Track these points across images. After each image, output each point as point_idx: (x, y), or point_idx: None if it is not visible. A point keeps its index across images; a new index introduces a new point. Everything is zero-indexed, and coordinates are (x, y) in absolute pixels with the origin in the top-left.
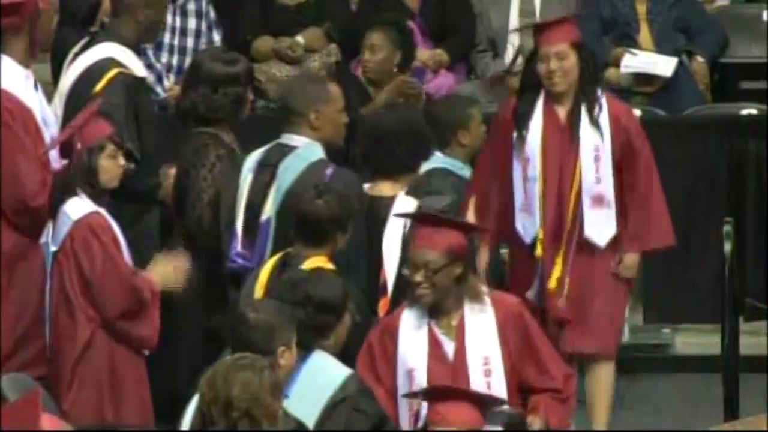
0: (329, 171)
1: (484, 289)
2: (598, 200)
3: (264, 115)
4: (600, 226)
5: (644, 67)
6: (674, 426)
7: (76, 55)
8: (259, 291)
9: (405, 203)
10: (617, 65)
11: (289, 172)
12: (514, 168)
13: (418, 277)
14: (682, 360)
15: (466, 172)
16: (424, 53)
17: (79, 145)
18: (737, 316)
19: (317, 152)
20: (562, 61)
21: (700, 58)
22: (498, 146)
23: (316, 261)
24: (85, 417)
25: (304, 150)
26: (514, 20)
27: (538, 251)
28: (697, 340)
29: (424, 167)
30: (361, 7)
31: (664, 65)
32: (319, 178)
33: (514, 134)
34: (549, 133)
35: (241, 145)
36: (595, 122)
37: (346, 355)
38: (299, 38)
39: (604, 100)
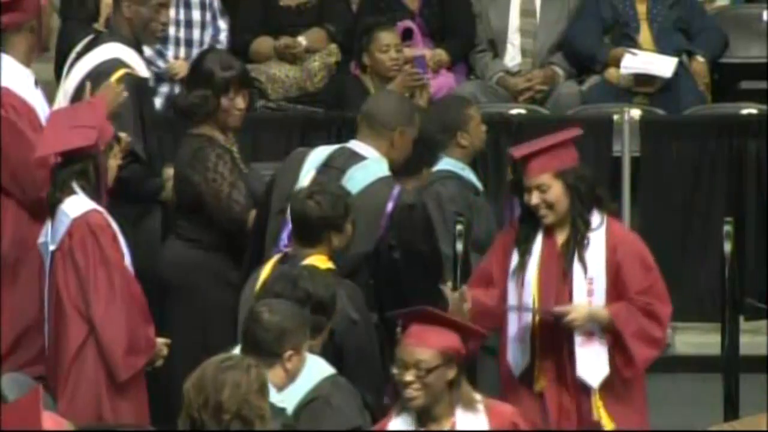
0: (396, 190)
1: (478, 396)
2: (589, 337)
3: (264, 115)
4: (591, 364)
5: (644, 67)
6: (674, 426)
7: (79, 54)
8: (260, 291)
9: None
10: (617, 65)
11: (354, 181)
12: (509, 296)
13: (408, 377)
14: (682, 360)
15: (467, 173)
16: (425, 53)
17: (102, 146)
18: (737, 316)
19: (385, 168)
20: (544, 194)
21: (700, 58)
22: (497, 264)
23: (315, 260)
24: (81, 416)
25: (373, 163)
26: (514, 20)
27: (541, 384)
28: (697, 340)
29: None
30: (362, 7)
31: (664, 65)
32: (385, 195)
33: (513, 259)
34: (545, 263)
35: (240, 145)
36: (582, 258)
37: (341, 354)
38: (301, 38)
39: (603, 228)
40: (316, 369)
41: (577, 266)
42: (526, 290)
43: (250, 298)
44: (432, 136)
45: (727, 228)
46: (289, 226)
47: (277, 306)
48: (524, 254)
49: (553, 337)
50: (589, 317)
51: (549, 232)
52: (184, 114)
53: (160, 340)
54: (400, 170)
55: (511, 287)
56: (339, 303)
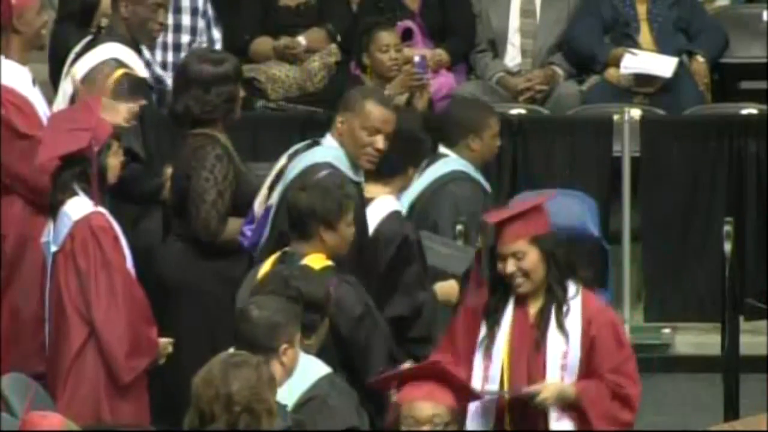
0: (320, 174)
1: None
2: (562, 412)
3: (264, 115)
4: None
5: (644, 67)
6: (674, 426)
7: (78, 55)
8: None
9: (385, 205)
10: (617, 65)
11: (296, 167)
12: (475, 366)
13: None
14: (682, 360)
15: (478, 174)
16: (425, 53)
17: (96, 147)
18: (737, 316)
19: (331, 155)
20: (520, 261)
21: (700, 58)
22: (462, 336)
23: (312, 259)
24: (81, 416)
25: (321, 150)
26: (514, 20)
27: None
28: (697, 340)
29: (443, 169)
30: (362, 7)
31: (664, 65)
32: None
33: (482, 329)
34: (516, 334)
35: (240, 145)
36: (561, 326)
37: (350, 348)
38: (301, 38)
39: (578, 299)
40: (311, 368)
41: (552, 336)
42: (494, 363)
43: (245, 297)
44: (418, 135)
45: (727, 228)
46: (255, 216)
47: (265, 302)
48: (493, 326)
49: (523, 412)
50: (559, 396)
51: (520, 302)
52: (211, 117)
53: (165, 340)
54: (387, 171)
55: (478, 359)
56: (348, 298)
